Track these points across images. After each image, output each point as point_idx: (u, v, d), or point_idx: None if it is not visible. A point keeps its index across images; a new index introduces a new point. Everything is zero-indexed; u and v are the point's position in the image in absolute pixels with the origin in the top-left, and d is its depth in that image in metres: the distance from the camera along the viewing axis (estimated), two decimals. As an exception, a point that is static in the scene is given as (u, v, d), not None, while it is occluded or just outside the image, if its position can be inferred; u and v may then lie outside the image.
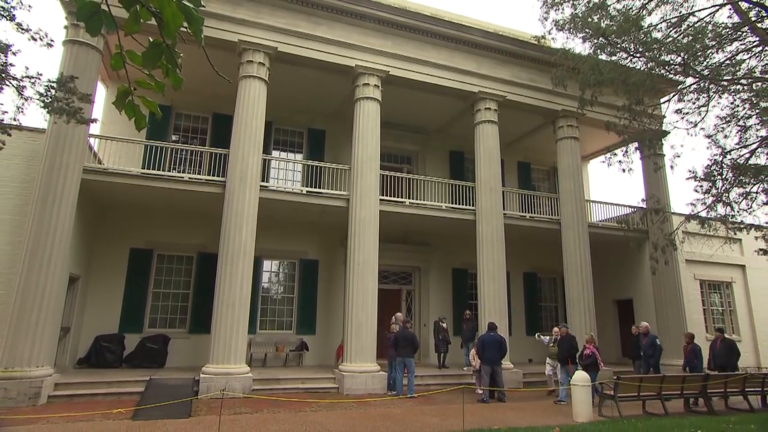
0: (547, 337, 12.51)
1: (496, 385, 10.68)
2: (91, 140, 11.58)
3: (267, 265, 14.51)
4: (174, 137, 14.51)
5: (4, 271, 9.86)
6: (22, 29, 6.97)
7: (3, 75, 6.79)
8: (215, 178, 11.87)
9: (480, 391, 10.74)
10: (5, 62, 6.79)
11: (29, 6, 6.99)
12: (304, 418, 8.31)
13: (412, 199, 14.37)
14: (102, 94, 13.82)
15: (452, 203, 14.57)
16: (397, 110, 15.20)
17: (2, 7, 6.75)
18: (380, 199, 12.72)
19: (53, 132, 9.95)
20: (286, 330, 14.26)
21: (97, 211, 12.73)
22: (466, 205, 14.48)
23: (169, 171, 12.24)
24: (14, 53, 6.89)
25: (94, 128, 11.78)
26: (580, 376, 9.20)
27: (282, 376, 11.38)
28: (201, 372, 10.24)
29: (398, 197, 13.82)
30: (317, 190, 13.02)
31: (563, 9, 11.84)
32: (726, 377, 10.19)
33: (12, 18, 6.84)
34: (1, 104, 7.13)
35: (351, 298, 11.73)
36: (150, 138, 13.16)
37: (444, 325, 13.82)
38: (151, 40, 2.04)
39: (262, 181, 12.15)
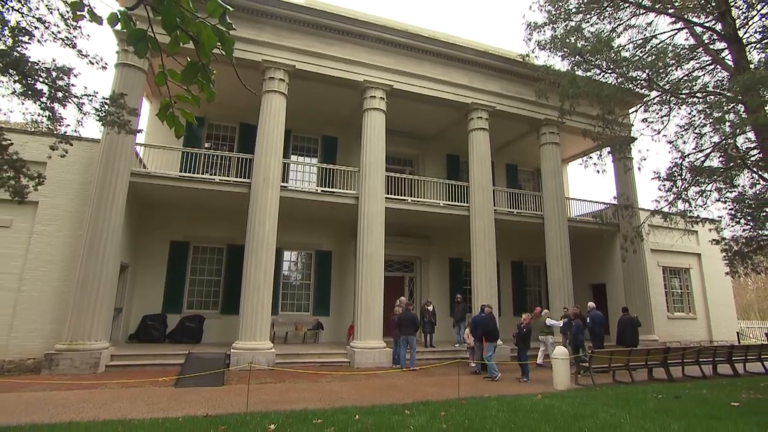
0: (555, 321, 12.24)
1: (487, 359, 10.70)
2: (137, 148, 11.75)
3: (287, 255, 14.63)
4: (207, 144, 14.65)
5: (68, 259, 10.08)
6: (82, 55, 7.04)
7: (66, 94, 6.89)
8: (242, 179, 11.98)
9: (473, 365, 10.77)
10: (68, 83, 6.89)
11: (88, 35, 7.10)
12: (321, 387, 8.39)
13: (414, 197, 14.44)
14: (146, 108, 13.99)
15: (449, 201, 14.59)
16: (400, 119, 15.24)
17: (66, 37, 6.85)
18: (385, 197, 12.76)
19: (106, 142, 10.16)
20: (304, 312, 14.36)
21: (143, 209, 12.92)
22: (461, 202, 14.49)
23: (203, 174, 12.43)
24: (75, 75, 6.97)
25: (140, 138, 11.96)
26: (560, 350, 9.22)
27: (301, 352, 11.47)
28: (231, 347, 10.40)
29: (401, 196, 13.90)
30: (330, 189, 13.08)
31: (545, 31, 11.85)
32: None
33: (74, 46, 6.94)
34: (65, 118, 7.21)
35: (360, 284, 11.80)
36: (186, 145, 13.37)
37: (430, 308, 13.15)
38: (189, 60, 2.13)
39: (282, 182, 12.27)
